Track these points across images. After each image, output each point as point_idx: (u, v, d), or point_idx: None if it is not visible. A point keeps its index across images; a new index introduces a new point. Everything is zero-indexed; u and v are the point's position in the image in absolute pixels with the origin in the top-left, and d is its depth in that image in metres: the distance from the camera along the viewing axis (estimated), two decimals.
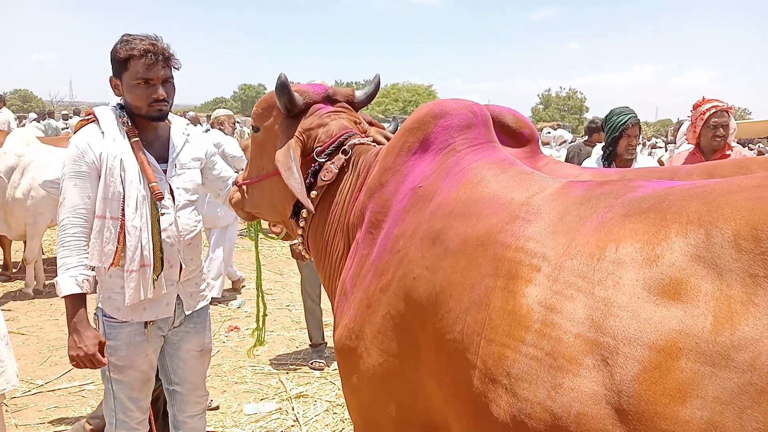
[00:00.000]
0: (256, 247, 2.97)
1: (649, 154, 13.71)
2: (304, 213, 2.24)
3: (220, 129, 7.34)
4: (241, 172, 2.69)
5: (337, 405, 4.54)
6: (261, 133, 2.38)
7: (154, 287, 2.59)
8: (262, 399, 4.69)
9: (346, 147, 2.16)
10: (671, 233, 1.17)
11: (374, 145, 2.20)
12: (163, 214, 2.61)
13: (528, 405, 1.25)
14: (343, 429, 4.16)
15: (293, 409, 4.46)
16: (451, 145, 1.82)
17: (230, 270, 7.40)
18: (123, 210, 2.51)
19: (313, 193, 2.18)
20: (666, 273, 1.13)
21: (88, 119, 2.70)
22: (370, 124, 2.43)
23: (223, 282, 7.09)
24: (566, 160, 7.60)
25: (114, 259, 2.51)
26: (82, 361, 2.48)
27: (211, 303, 3.07)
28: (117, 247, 2.51)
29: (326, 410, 4.48)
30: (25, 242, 7.43)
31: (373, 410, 1.81)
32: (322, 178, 2.15)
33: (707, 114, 4.44)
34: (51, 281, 7.82)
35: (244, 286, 7.66)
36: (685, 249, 1.13)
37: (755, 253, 1.05)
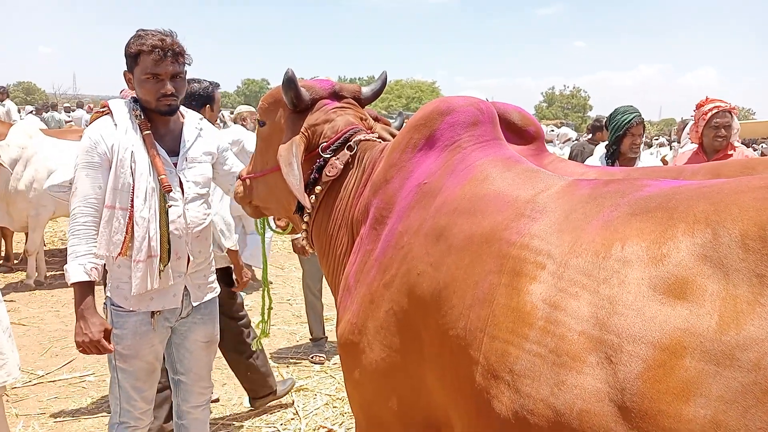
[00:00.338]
0: (263, 241, 2.98)
1: (657, 151, 13.70)
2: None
3: (242, 125, 7.39)
4: (245, 166, 2.69)
5: (337, 399, 4.55)
6: (267, 127, 2.38)
7: (160, 278, 2.62)
8: None
9: (351, 143, 2.16)
10: (678, 232, 1.17)
11: (380, 142, 2.20)
12: (171, 206, 2.64)
13: (530, 401, 1.25)
14: (342, 423, 4.17)
15: (293, 403, 4.47)
16: (457, 142, 1.81)
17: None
18: (132, 201, 2.55)
19: (318, 188, 2.18)
20: (672, 272, 1.13)
21: (103, 111, 2.75)
22: (376, 119, 2.43)
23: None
24: (570, 158, 7.60)
25: (122, 249, 2.55)
26: (87, 347, 2.53)
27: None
28: (125, 237, 2.55)
29: (326, 404, 4.49)
30: (26, 234, 7.45)
31: (375, 405, 1.82)
32: (327, 173, 2.15)
33: (709, 114, 4.44)
34: (52, 273, 7.85)
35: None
36: (692, 248, 1.13)
37: (762, 253, 1.05)
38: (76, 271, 2.53)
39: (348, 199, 2.12)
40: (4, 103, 14.76)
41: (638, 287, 1.16)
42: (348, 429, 4.06)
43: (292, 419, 4.24)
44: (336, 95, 2.30)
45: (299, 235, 2.35)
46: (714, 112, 4.43)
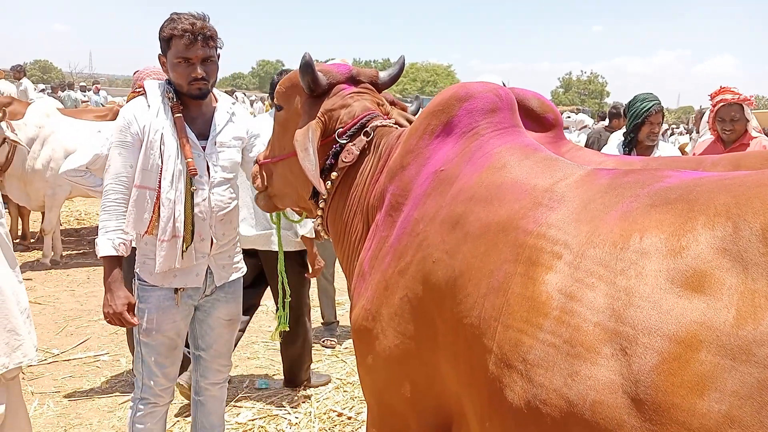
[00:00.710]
0: (278, 230, 2.98)
1: (676, 140, 13.55)
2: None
3: None
4: (262, 151, 2.69)
5: (348, 383, 4.58)
6: (283, 112, 2.37)
7: (183, 258, 2.70)
8: (273, 374, 4.73)
9: (368, 129, 2.15)
10: (698, 225, 1.15)
11: (396, 127, 2.19)
12: (196, 189, 2.70)
13: (543, 391, 1.25)
14: (353, 407, 4.19)
15: (304, 386, 4.49)
16: (475, 128, 1.80)
17: None
18: (159, 182, 2.64)
19: (334, 174, 2.18)
20: (690, 265, 1.12)
21: (139, 92, 2.85)
22: (392, 104, 2.41)
23: None
24: (586, 146, 7.54)
25: (148, 228, 2.66)
26: (112, 318, 2.66)
27: None
28: (152, 217, 2.65)
29: (336, 387, 4.52)
30: (43, 213, 7.51)
31: (387, 391, 1.82)
32: (343, 159, 2.14)
33: (716, 108, 4.41)
34: (68, 252, 7.93)
35: None
36: (711, 241, 1.12)
37: None
38: (105, 245, 2.65)
39: (364, 186, 2.12)
40: (21, 81, 14.83)
41: (656, 279, 1.14)
42: (358, 413, 4.09)
43: (302, 403, 4.27)
44: (353, 80, 2.28)
45: (316, 221, 2.35)
46: (720, 105, 4.39)
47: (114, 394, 4.29)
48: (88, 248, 8.17)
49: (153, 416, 2.90)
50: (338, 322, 5.64)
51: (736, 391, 1.00)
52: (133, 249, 2.83)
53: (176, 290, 2.79)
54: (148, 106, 2.71)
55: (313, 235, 3.75)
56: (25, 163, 7.02)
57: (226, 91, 6.17)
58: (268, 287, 4.31)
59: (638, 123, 4.42)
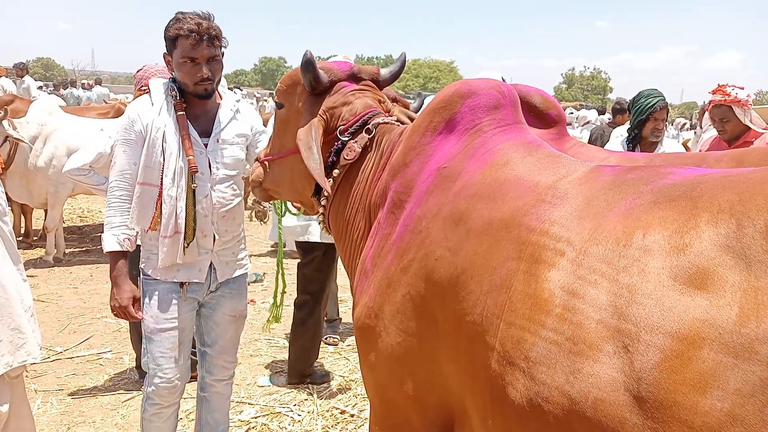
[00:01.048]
0: (279, 223, 2.99)
1: (680, 135, 13.49)
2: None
3: None
4: (262, 149, 2.70)
5: (350, 380, 4.58)
6: (284, 109, 2.37)
7: (185, 254, 2.75)
8: (276, 372, 4.74)
9: (369, 126, 2.14)
10: (701, 222, 1.15)
11: (398, 125, 2.19)
12: (197, 186, 2.73)
13: (545, 389, 1.24)
14: (355, 404, 4.19)
15: (307, 384, 4.50)
16: (478, 125, 1.79)
17: None
18: (161, 179, 2.68)
19: (336, 171, 2.18)
20: (693, 262, 1.11)
21: (145, 90, 2.90)
22: (395, 101, 2.41)
23: None
24: (589, 142, 7.53)
25: (151, 224, 2.72)
26: (118, 312, 2.74)
27: None
28: (155, 214, 2.70)
29: (339, 385, 4.52)
30: (46, 211, 7.52)
31: (389, 389, 1.82)
32: (345, 156, 2.14)
33: (708, 107, 4.40)
34: (71, 250, 7.94)
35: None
36: (715, 238, 1.11)
37: None
38: (109, 240, 2.72)
39: (366, 183, 2.12)
40: (23, 79, 14.84)
41: (658, 276, 1.14)
42: (361, 411, 4.09)
43: (305, 400, 4.28)
44: (354, 77, 2.28)
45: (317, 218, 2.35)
46: (710, 106, 4.37)
47: (117, 392, 4.30)
48: (91, 246, 8.18)
49: (160, 417, 2.93)
50: (341, 319, 5.64)
51: (739, 389, 0.99)
52: (139, 245, 2.88)
53: (182, 284, 2.83)
54: (152, 104, 2.74)
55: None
56: (27, 160, 7.02)
57: (228, 89, 6.17)
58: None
59: (642, 119, 4.41)
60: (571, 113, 15.26)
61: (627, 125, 5.04)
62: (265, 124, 3.51)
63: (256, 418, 4.00)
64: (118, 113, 8.17)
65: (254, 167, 2.63)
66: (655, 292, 1.13)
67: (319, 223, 2.37)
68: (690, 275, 1.10)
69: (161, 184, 2.68)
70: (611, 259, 1.22)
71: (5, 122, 6.65)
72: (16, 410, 2.53)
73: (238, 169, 2.92)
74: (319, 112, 2.17)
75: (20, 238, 8.20)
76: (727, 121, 4.26)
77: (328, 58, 2.72)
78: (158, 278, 2.81)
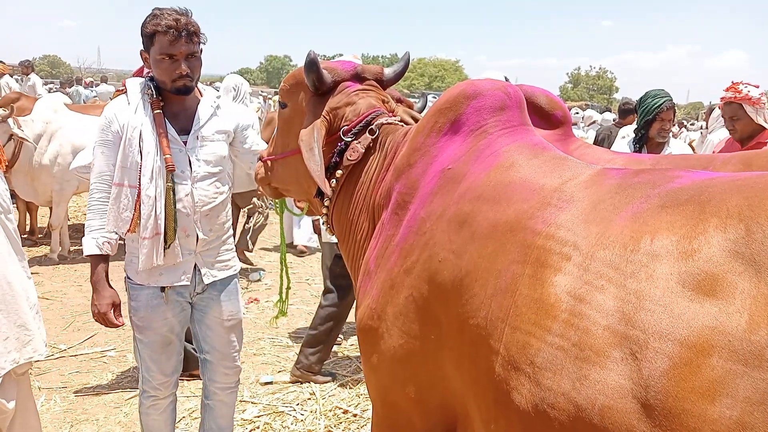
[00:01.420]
0: (281, 222, 2.98)
1: (687, 136, 13.42)
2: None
3: None
4: (265, 147, 2.68)
5: (353, 380, 4.57)
6: (288, 109, 2.36)
7: (165, 255, 2.68)
8: (279, 371, 4.73)
9: (373, 126, 2.13)
10: (710, 227, 1.13)
11: (402, 125, 2.17)
12: (176, 185, 2.68)
13: (551, 395, 1.23)
14: (358, 404, 4.19)
15: (310, 383, 4.49)
16: (483, 127, 1.78)
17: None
18: (139, 179, 2.62)
19: (339, 172, 2.16)
20: (702, 268, 1.10)
21: (122, 90, 2.83)
22: (399, 101, 2.40)
23: None
24: (595, 142, 7.50)
25: (130, 226, 2.64)
26: (97, 318, 2.69)
27: None
28: (134, 215, 2.63)
29: (342, 384, 4.51)
30: (51, 208, 7.53)
31: (392, 391, 1.81)
32: (348, 157, 2.13)
33: (721, 104, 4.34)
34: (76, 247, 7.95)
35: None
36: (724, 244, 1.09)
37: None
38: (89, 244, 2.67)
39: (369, 184, 2.10)
40: (29, 77, 14.86)
41: (666, 282, 1.12)
42: (364, 410, 4.08)
43: (308, 399, 4.27)
44: (358, 77, 2.26)
45: (321, 218, 2.35)
46: (721, 103, 4.33)
47: (121, 390, 4.30)
48: None
49: (156, 408, 2.94)
50: None
51: (749, 397, 0.98)
52: None
53: (163, 289, 2.76)
54: (128, 103, 2.70)
55: None
56: (32, 158, 7.03)
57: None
58: None
59: (649, 119, 4.39)
60: (577, 113, 15.22)
61: (633, 125, 5.01)
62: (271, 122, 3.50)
63: (259, 417, 3.99)
64: None
65: (257, 166, 2.62)
66: (663, 298, 1.11)
67: (323, 224, 2.35)
68: (699, 281, 1.09)
69: (139, 184, 2.62)
70: (618, 264, 1.21)
71: (10, 120, 6.66)
72: (22, 407, 2.53)
73: (221, 166, 2.86)
74: (323, 113, 2.16)
75: (25, 236, 8.22)
76: (737, 119, 4.17)
77: (333, 57, 2.71)
78: (141, 283, 2.75)
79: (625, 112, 8.12)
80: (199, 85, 2.84)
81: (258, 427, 3.87)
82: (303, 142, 2.08)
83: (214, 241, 2.87)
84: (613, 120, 9.40)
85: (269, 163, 2.52)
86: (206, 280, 2.85)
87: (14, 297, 2.40)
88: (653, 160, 2.28)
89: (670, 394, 1.05)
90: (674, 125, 4.62)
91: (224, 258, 2.95)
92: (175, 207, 2.66)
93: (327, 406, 4.17)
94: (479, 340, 1.43)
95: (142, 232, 2.63)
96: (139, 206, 2.62)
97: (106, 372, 4.60)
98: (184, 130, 2.75)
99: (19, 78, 15.37)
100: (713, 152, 4.83)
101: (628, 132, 5.56)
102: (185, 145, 2.73)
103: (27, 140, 6.79)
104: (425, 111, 2.12)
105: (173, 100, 2.73)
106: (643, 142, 4.48)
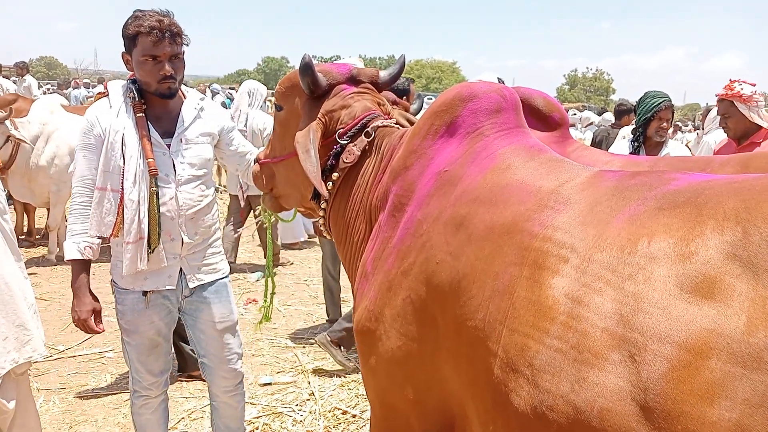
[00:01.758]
0: (269, 227, 2.95)
1: (683, 137, 13.42)
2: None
3: None
4: (262, 149, 2.68)
5: (352, 381, 4.56)
6: (284, 112, 2.36)
7: (149, 260, 2.65)
8: (278, 372, 4.73)
9: (369, 129, 2.13)
10: (707, 229, 1.13)
11: (398, 128, 2.17)
12: (161, 189, 2.64)
13: (550, 397, 1.23)
14: (357, 405, 4.18)
15: (309, 383, 4.49)
16: (479, 129, 1.78)
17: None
18: (122, 183, 2.58)
19: (335, 175, 2.16)
20: (700, 270, 1.10)
21: (104, 93, 2.79)
22: (394, 103, 2.40)
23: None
24: (593, 144, 7.51)
25: (113, 231, 2.61)
26: (77, 324, 2.66)
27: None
28: (117, 219, 2.60)
29: (341, 385, 4.51)
30: (48, 209, 7.52)
31: (390, 392, 1.81)
32: (344, 160, 2.13)
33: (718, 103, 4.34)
34: None
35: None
36: (721, 246, 1.09)
37: None
38: (70, 249, 2.63)
39: (366, 186, 2.10)
40: (24, 78, 14.80)
41: (664, 285, 1.13)
42: (363, 411, 4.08)
43: (307, 400, 4.27)
44: (353, 80, 2.26)
45: (318, 221, 2.34)
46: (716, 101, 4.33)
47: (119, 391, 4.29)
48: None
49: (148, 407, 2.94)
50: None
51: (747, 399, 0.98)
52: None
53: (145, 293, 2.73)
54: (110, 106, 2.66)
55: None
56: (29, 160, 7.02)
57: (230, 88, 6.19)
58: None
59: (648, 118, 4.42)
60: (574, 114, 15.21)
61: (631, 126, 5.03)
62: None
63: (258, 418, 3.99)
64: None
65: (254, 170, 2.61)
66: (661, 300, 1.11)
67: (320, 226, 2.35)
68: (696, 284, 1.09)
69: (122, 188, 2.58)
70: (616, 267, 1.21)
71: (7, 122, 6.65)
72: (22, 408, 2.53)
73: (206, 169, 2.82)
74: (318, 116, 2.16)
75: (23, 237, 8.21)
76: (729, 116, 4.16)
77: (330, 59, 2.70)
78: (126, 287, 2.72)
79: (621, 113, 8.15)
80: (183, 87, 2.80)
81: (257, 428, 3.87)
82: (299, 144, 2.08)
83: (200, 245, 2.83)
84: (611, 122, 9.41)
85: (266, 166, 2.52)
86: (191, 284, 2.82)
87: (12, 297, 2.40)
88: (650, 162, 2.28)
89: (668, 397, 1.05)
90: (671, 127, 4.60)
91: (211, 261, 2.91)
92: (159, 211, 2.62)
93: (326, 406, 4.16)
94: (477, 342, 1.43)
95: (125, 236, 2.59)
96: (123, 210, 2.58)
97: (104, 373, 4.59)
98: (168, 132, 2.71)
99: (15, 80, 15.30)
100: (713, 152, 4.83)
101: (628, 132, 5.58)
102: (169, 148, 2.69)
103: (24, 142, 6.78)
104: (421, 113, 2.11)
105: (156, 103, 2.69)
106: (641, 141, 4.50)
